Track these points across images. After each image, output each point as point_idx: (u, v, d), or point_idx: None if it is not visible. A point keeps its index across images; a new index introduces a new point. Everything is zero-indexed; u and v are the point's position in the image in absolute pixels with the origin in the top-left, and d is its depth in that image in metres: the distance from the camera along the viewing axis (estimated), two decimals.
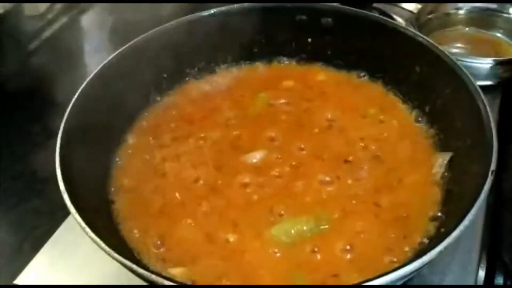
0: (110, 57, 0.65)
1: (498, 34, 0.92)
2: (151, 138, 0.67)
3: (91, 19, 0.98)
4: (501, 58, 0.81)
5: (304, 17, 0.75)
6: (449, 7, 0.95)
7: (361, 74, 0.74)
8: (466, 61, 0.78)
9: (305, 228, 0.55)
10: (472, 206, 0.45)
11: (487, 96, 0.56)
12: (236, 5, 0.74)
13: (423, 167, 0.60)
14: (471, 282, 0.58)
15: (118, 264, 0.45)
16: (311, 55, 0.77)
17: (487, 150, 0.50)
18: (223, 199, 0.58)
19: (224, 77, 0.77)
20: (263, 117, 0.69)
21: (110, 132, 0.65)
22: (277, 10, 0.75)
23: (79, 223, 0.46)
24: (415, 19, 0.91)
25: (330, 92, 0.72)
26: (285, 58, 0.78)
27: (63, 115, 0.58)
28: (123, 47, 0.67)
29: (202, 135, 0.66)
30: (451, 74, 0.60)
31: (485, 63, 0.80)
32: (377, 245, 0.53)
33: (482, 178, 0.48)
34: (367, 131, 0.66)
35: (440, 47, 0.63)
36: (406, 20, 0.93)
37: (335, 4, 0.73)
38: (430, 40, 0.65)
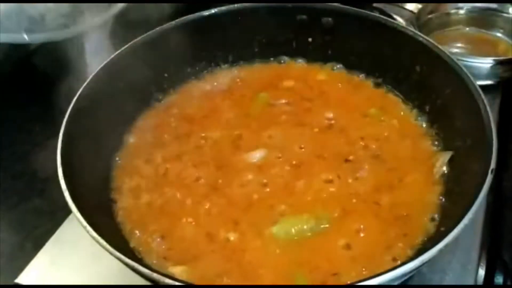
0: (110, 57, 0.66)
1: (498, 34, 0.92)
2: (152, 138, 0.67)
3: None
4: (501, 58, 0.81)
5: (304, 17, 0.75)
6: (450, 7, 0.95)
7: (362, 74, 0.74)
8: (466, 61, 0.78)
9: (305, 227, 0.55)
10: (472, 205, 0.45)
11: (487, 96, 0.56)
12: (236, 5, 0.74)
13: (423, 167, 0.60)
14: (471, 281, 0.58)
15: (119, 264, 0.45)
16: (312, 55, 0.77)
17: (487, 149, 0.50)
18: (224, 198, 0.58)
19: (225, 77, 0.77)
20: (264, 117, 0.69)
21: (111, 132, 0.65)
22: (277, 10, 0.75)
23: (80, 222, 0.47)
24: (416, 19, 0.91)
25: (331, 91, 0.73)
26: (285, 58, 0.78)
27: (64, 114, 0.58)
28: (124, 47, 0.67)
29: (202, 135, 0.67)
30: (451, 74, 0.60)
31: (485, 63, 0.80)
32: (377, 243, 0.53)
33: (482, 177, 0.48)
34: (367, 130, 0.66)
35: (440, 47, 0.63)
36: (406, 20, 0.93)
37: (335, 4, 0.73)
38: (431, 40, 0.65)
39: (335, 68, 0.76)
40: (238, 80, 0.76)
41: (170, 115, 0.70)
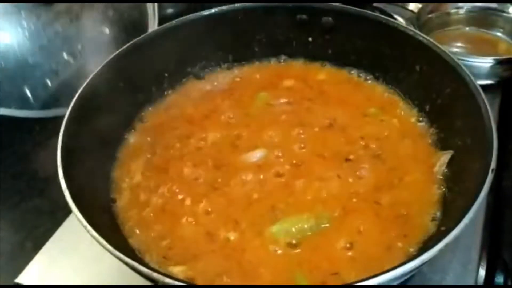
0: (110, 57, 0.66)
1: (498, 34, 0.92)
2: (152, 138, 0.67)
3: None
4: (501, 57, 0.81)
5: (304, 16, 0.75)
6: (450, 7, 0.95)
7: (362, 73, 0.74)
8: (467, 60, 0.78)
9: (305, 226, 0.55)
10: (472, 204, 0.45)
11: (487, 95, 0.56)
12: (237, 5, 0.74)
13: (423, 166, 0.60)
14: (471, 281, 0.58)
15: (119, 263, 0.45)
16: (312, 54, 0.77)
17: (487, 149, 0.50)
18: (224, 198, 0.58)
19: (225, 77, 0.77)
20: (264, 116, 0.69)
21: (111, 131, 0.65)
22: (277, 9, 0.75)
23: (81, 222, 0.47)
24: (416, 19, 0.91)
25: (331, 91, 0.73)
26: (285, 57, 0.78)
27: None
28: (123, 47, 0.67)
29: (202, 134, 0.66)
30: (452, 73, 0.60)
31: (485, 62, 0.80)
32: (377, 243, 0.53)
33: (482, 176, 0.48)
34: (367, 130, 0.66)
35: (441, 46, 0.63)
36: (406, 19, 0.93)
37: (335, 3, 0.73)
38: (431, 39, 0.65)
39: (335, 67, 0.76)
40: (238, 79, 0.76)
41: (170, 115, 0.70)
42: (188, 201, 0.58)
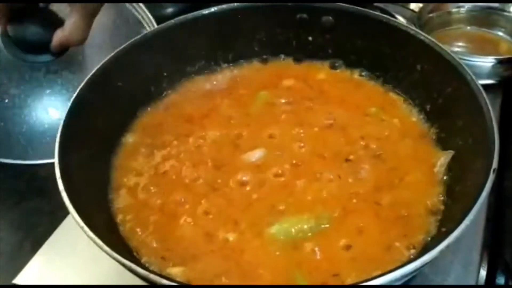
0: (108, 56, 0.65)
1: (500, 33, 0.92)
2: (150, 137, 0.67)
3: None
4: (503, 57, 0.81)
5: (305, 15, 0.74)
6: (451, 6, 0.95)
7: (362, 73, 0.74)
8: (468, 60, 0.78)
9: (305, 227, 0.54)
10: (473, 205, 0.45)
11: (488, 95, 0.55)
12: (236, 4, 0.74)
13: (424, 166, 0.60)
14: (472, 282, 0.57)
15: (118, 264, 0.44)
16: (312, 54, 0.77)
17: (488, 149, 0.50)
18: (223, 198, 0.58)
19: (225, 76, 0.76)
20: (264, 116, 0.69)
21: (109, 131, 0.65)
22: (278, 8, 0.74)
23: (77, 223, 0.46)
24: (417, 18, 0.91)
25: (331, 90, 0.72)
26: (285, 57, 0.78)
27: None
28: (122, 46, 0.67)
29: (202, 134, 0.66)
30: (453, 73, 0.60)
31: (486, 62, 0.80)
32: (377, 244, 0.53)
33: (483, 177, 0.47)
34: (368, 129, 0.65)
35: (442, 46, 0.63)
36: (407, 19, 0.93)
37: (336, 3, 0.73)
38: (432, 39, 0.64)
39: (335, 67, 0.75)
40: (238, 79, 0.76)
41: (169, 114, 0.70)
42: (187, 202, 0.58)
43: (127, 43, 0.68)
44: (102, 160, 0.62)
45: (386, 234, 0.53)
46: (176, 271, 0.51)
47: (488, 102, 0.54)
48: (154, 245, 0.54)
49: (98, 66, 0.64)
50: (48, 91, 0.62)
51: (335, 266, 0.51)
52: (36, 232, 0.68)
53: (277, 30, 0.76)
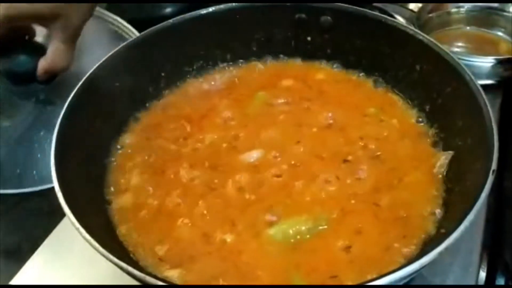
0: (106, 56, 0.65)
1: (499, 33, 0.92)
2: (148, 138, 0.66)
3: None
4: (502, 57, 0.81)
5: (303, 15, 0.74)
6: (450, 6, 0.95)
7: (361, 73, 0.73)
8: (467, 60, 0.78)
9: (303, 228, 0.54)
10: (472, 206, 0.44)
11: (488, 95, 0.55)
12: (235, 4, 0.73)
13: (423, 167, 0.59)
14: (472, 283, 0.57)
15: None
16: (311, 54, 0.76)
17: (488, 150, 0.50)
18: (221, 199, 0.57)
19: (223, 76, 0.76)
20: (262, 116, 0.68)
21: (106, 132, 0.64)
22: (276, 8, 0.74)
23: (73, 224, 0.46)
24: (416, 18, 0.91)
25: (330, 91, 0.72)
26: (284, 57, 0.77)
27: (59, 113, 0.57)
28: (120, 46, 0.67)
29: (200, 135, 0.66)
30: (452, 73, 0.60)
31: (486, 62, 0.80)
32: (376, 245, 0.52)
33: (483, 178, 0.47)
34: (366, 130, 0.65)
35: (441, 46, 0.63)
36: (407, 19, 0.93)
37: (335, 3, 0.73)
38: (431, 38, 0.64)
39: (334, 67, 0.75)
40: (236, 79, 0.75)
41: (167, 115, 0.70)
42: (184, 203, 0.57)
43: (125, 43, 0.68)
44: (99, 161, 0.62)
45: (385, 235, 0.53)
46: (173, 273, 0.50)
47: (487, 102, 0.54)
48: (151, 246, 0.54)
49: (95, 67, 0.63)
50: (40, 119, 0.63)
51: (333, 267, 0.51)
52: (34, 232, 0.68)
53: (275, 30, 0.76)
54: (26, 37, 0.71)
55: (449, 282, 0.56)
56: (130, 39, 0.68)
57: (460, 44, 0.91)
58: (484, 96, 0.55)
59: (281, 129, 0.65)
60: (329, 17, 0.73)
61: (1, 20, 0.64)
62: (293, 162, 0.61)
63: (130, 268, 0.42)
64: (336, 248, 0.52)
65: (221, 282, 0.50)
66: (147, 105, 0.71)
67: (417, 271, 0.42)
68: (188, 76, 0.75)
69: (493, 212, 0.66)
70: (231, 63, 0.77)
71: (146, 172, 0.62)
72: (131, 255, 0.53)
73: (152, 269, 0.51)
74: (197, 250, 0.53)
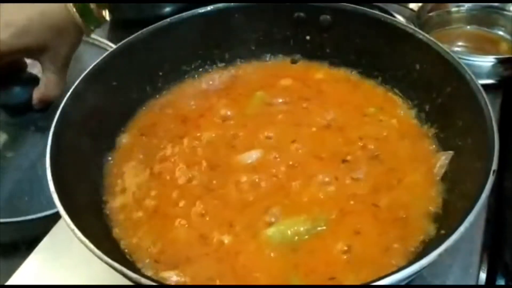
0: (103, 55, 0.64)
1: (500, 32, 0.92)
2: (145, 138, 0.66)
3: None
4: (503, 56, 0.81)
5: (302, 14, 0.73)
6: (450, 5, 0.94)
7: (360, 72, 0.73)
8: (468, 59, 0.77)
9: (302, 229, 0.53)
10: (473, 207, 0.44)
11: (488, 95, 0.54)
12: (233, 3, 0.73)
13: (423, 167, 0.59)
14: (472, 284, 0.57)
15: None
16: (310, 53, 0.76)
17: (488, 150, 0.49)
18: (218, 200, 0.57)
19: (221, 76, 0.76)
20: (260, 116, 0.68)
21: (103, 131, 0.64)
22: (275, 7, 0.74)
23: (68, 225, 0.45)
24: (416, 17, 0.91)
25: (329, 90, 0.71)
26: (283, 56, 0.77)
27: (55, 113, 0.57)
28: (117, 45, 0.66)
29: (197, 134, 0.65)
30: (452, 72, 0.59)
31: (486, 61, 0.79)
32: (375, 246, 0.52)
33: (483, 178, 0.46)
34: (366, 130, 0.64)
35: (441, 45, 0.62)
36: (407, 18, 0.92)
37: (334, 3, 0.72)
38: (430, 37, 0.64)
39: (333, 66, 0.74)
40: (234, 79, 0.75)
41: (165, 115, 0.69)
42: (181, 203, 0.57)
43: (122, 42, 0.67)
44: (95, 161, 0.62)
45: (384, 236, 0.52)
46: (169, 274, 0.50)
47: (488, 102, 0.53)
48: (148, 247, 0.53)
49: (92, 65, 0.63)
50: (42, 145, 0.64)
51: (332, 269, 0.50)
52: (31, 232, 0.67)
53: (274, 29, 0.75)
54: (19, 70, 0.74)
55: (449, 283, 0.56)
56: (126, 39, 0.67)
57: (460, 43, 0.90)
58: (484, 95, 0.54)
59: (279, 129, 0.65)
60: (328, 16, 0.72)
61: None
62: (291, 163, 0.60)
63: (124, 269, 0.41)
64: (335, 249, 0.52)
65: (218, 284, 0.50)
66: (144, 104, 0.70)
67: (417, 273, 0.41)
68: (186, 75, 0.75)
69: (494, 213, 0.66)
70: (229, 62, 0.77)
71: (143, 173, 0.61)
72: (127, 256, 0.53)
73: (148, 271, 0.51)
74: (194, 252, 0.52)
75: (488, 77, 0.79)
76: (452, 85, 0.60)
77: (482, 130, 0.52)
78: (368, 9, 0.70)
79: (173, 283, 0.49)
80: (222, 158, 0.62)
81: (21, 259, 0.62)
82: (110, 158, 0.63)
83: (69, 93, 0.59)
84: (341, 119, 0.66)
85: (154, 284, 0.41)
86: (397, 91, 0.69)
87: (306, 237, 0.53)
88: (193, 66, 0.75)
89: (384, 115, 0.66)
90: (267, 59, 0.77)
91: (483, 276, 0.59)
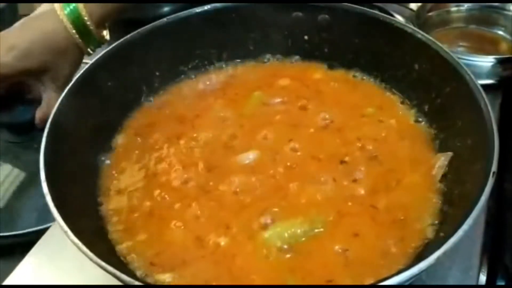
0: (99, 55, 0.64)
1: (500, 32, 0.91)
2: (141, 138, 0.65)
3: None
4: (503, 56, 0.80)
5: (300, 14, 0.73)
6: (450, 5, 0.94)
7: (359, 72, 0.72)
8: (467, 59, 0.77)
9: (299, 231, 0.53)
10: (472, 209, 0.43)
11: (488, 95, 0.54)
12: (231, 2, 0.72)
13: (422, 168, 0.58)
14: None
15: None
16: (308, 53, 0.75)
17: (488, 151, 0.49)
18: (215, 201, 0.56)
19: (218, 76, 0.75)
20: (258, 117, 0.67)
21: (99, 132, 0.63)
22: (273, 7, 0.73)
23: (61, 227, 0.45)
24: (416, 17, 0.90)
25: (327, 90, 0.71)
26: (281, 56, 0.76)
27: None
28: (113, 45, 0.66)
29: (194, 135, 0.65)
30: (452, 72, 0.59)
31: (486, 61, 0.79)
32: (373, 248, 0.51)
33: (483, 180, 0.46)
34: (364, 130, 0.64)
35: (440, 44, 0.62)
36: (406, 18, 0.92)
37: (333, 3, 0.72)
38: (429, 37, 0.63)
39: (332, 66, 0.74)
40: (232, 78, 0.74)
41: (161, 115, 0.69)
42: (177, 205, 0.56)
43: (119, 41, 0.67)
44: (91, 162, 0.61)
45: (382, 238, 0.52)
46: (165, 277, 0.49)
47: (487, 102, 0.53)
48: (143, 250, 0.53)
49: (87, 65, 0.63)
50: None
51: (329, 271, 0.50)
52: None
53: (272, 29, 0.74)
54: (22, 90, 0.74)
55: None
56: (122, 38, 0.67)
57: (460, 43, 0.90)
58: (484, 96, 0.54)
59: (277, 130, 0.64)
60: (326, 16, 0.72)
61: None
62: (289, 164, 0.60)
63: (117, 272, 0.41)
64: (332, 252, 0.51)
65: None
66: (141, 104, 0.70)
67: (416, 276, 0.41)
68: (183, 75, 0.74)
69: (493, 215, 0.65)
70: (227, 62, 0.76)
71: (139, 174, 0.61)
72: (122, 258, 0.52)
73: (143, 273, 0.50)
74: (189, 254, 0.52)
75: (487, 77, 0.79)
76: (451, 85, 0.60)
77: (482, 130, 0.51)
78: (366, 9, 0.69)
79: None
80: (219, 158, 0.61)
81: (16, 261, 0.61)
82: (106, 159, 0.63)
83: (64, 94, 0.59)
84: (340, 120, 0.65)
85: (142, 284, 0.40)
86: (396, 91, 0.69)
87: (303, 239, 0.52)
88: (190, 66, 0.74)
89: (382, 116, 0.66)
90: (265, 59, 0.76)
91: (483, 278, 0.59)
